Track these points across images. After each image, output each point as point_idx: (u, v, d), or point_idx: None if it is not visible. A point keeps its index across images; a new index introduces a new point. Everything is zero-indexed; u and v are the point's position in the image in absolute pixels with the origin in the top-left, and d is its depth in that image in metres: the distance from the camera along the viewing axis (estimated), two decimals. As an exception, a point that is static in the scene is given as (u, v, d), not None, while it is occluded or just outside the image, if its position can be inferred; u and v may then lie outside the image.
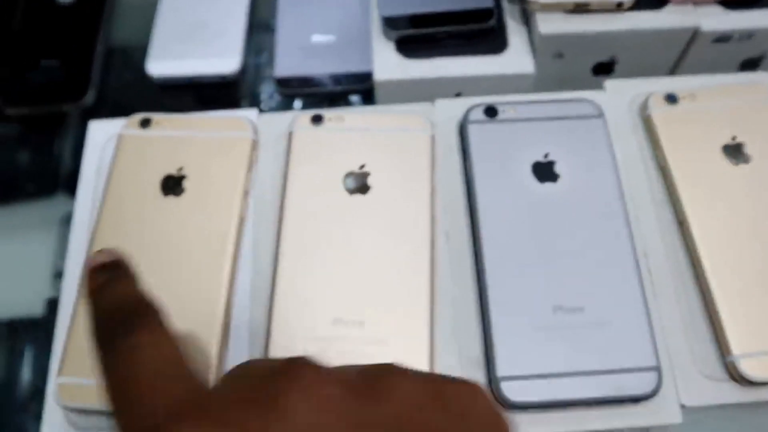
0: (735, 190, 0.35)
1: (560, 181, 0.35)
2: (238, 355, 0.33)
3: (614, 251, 0.33)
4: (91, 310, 0.22)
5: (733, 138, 0.36)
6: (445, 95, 0.38)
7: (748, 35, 0.39)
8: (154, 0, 0.48)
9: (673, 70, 0.43)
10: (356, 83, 0.44)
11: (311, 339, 0.31)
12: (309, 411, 0.16)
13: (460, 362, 0.32)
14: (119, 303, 0.21)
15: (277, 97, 0.46)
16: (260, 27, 0.48)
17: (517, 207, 0.34)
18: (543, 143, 0.36)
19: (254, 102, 0.46)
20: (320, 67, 0.44)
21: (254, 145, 0.36)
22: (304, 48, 0.45)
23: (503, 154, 0.35)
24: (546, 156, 0.35)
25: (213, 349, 0.31)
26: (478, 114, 0.36)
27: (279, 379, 0.17)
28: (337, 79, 0.44)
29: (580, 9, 0.38)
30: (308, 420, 0.16)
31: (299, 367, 0.17)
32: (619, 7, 0.38)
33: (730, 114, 0.37)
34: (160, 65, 0.45)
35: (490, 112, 0.36)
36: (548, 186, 0.35)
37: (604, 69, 0.41)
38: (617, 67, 0.42)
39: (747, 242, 0.33)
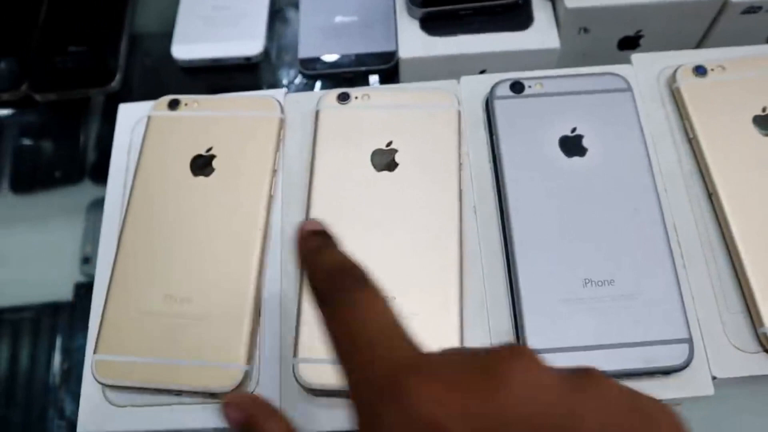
0: (766, 161, 0.34)
1: (588, 154, 0.35)
2: (270, 331, 0.33)
3: (643, 224, 0.33)
4: (307, 269, 0.23)
5: (764, 109, 0.36)
6: (469, 72, 0.38)
7: (779, 5, 0.39)
8: (176, -15, 0.48)
9: (700, 43, 0.42)
10: (379, 63, 0.44)
11: (342, 314, 0.32)
12: (528, 385, 0.17)
13: (489, 335, 0.32)
14: (338, 264, 0.22)
15: (300, 79, 0.46)
16: (283, 9, 0.48)
17: (544, 181, 0.34)
18: (570, 117, 0.36)
19: (278, 85, 0.46)
20: (344, 48, 0.44)
21: (282, 124, 0.37)
22: (328, 29, 0.45)
23: (530, 129, 0.35)
24: (573, 130, 0.35)
25: (246, 326, 0.32)
26: (505, 89, 0.36)
27: (501, 354, 0.18)
28: (361, 59, 0.44)
29: (604, -18, 0.38)
30: (528, 393, 0.17)
31: (519, 348, 0.18)
32: (645, -19, 0.38)
33: (760, 85, 0.36)
34: (184, 49, 0.46)
35: (517, 87, 0.36)
36: (576, 160, 0.35)
37: (630, 43, 0.41)
38: (643, 41, 0.41)
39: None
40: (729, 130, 0.35)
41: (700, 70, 0.37)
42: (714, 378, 0.31)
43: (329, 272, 0.22)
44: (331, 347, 0.20)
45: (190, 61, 0.46)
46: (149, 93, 0.39)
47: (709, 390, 0.31)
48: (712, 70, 0.37)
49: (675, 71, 0.37)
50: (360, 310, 0.20)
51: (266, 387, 0.32)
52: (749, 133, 0.35)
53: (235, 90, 0.39)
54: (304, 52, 0.45)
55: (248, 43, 0.45)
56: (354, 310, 0.20)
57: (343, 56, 0.44)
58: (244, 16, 0.46)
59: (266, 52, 0.46)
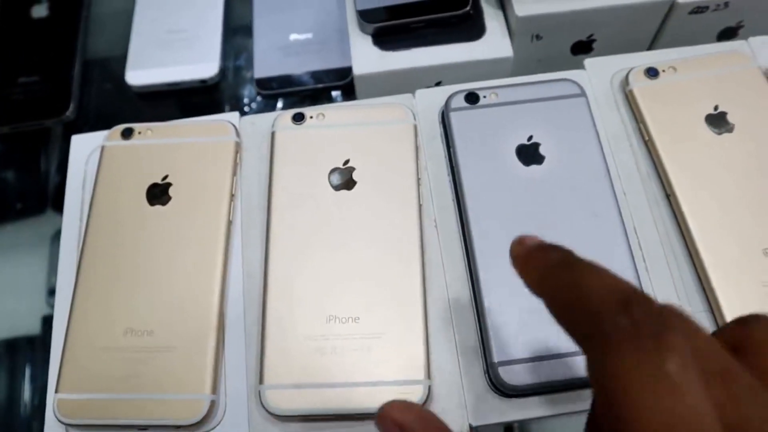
0: (720, 160, 0.35)
1: (545, 162, 0.35)
2: (235, 359, 0.33)
3: (603, 229, 0.33)
4: (560, 296, 0.20)
5: (716, 107, 0.36)
6: (425, 85, 0.38)
7: (725, 4, 0.39)
8: (130, 9, 0.48)
9: (652, 45, 0.43)
10: (336, 79, 0.44)
11: (306, 338, 0.31)
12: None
13: (456, 349, 0.32)
14: (614, 289, 0.18)
15: (259, 100, 0.46)
16: (238, 30, 0.48)
17: (503, 191, 0.34)
18: (526, 126, 0.36)
19: (237, 105, 0.45)
20: (299, 66, 0.44)
21: (238, 148, 0.36)
22: (283, 48, 0.45)
23: (487, 140, 0.35)
24: (530, 138, 0.35)
25: (209, 355, 0.31)
26: (460, 101, 0.36)
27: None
28: (317, 76, 0.44)
29: (553, -11, 0.38)
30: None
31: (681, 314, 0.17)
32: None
33: (711, 84, 0.37)
34: (139, 75, 0.45)
35: (472, 98, 0.36)
36: (534, 168, 0.35)
37: (583, 48, 0.41)
38: (596, 45, 0.41)
39: (735, 210, 0.33)
40: (682, 130, 0.36)
41: (651, 72, 0.37)
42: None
43: (617, 301, 0.17)
44: (613, 397, 0.16)
45: (145, 87, 0.45)
46: (106, 120, 0.38)
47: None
48: (664, 71, 0.37)
49: (627, 74, 0.37)
50: (678, 394, 0.15)
51: (234, 416, 0.32)
52: (702, 132, 0.36)
53: (193, 113, 0.38)
54: (260, 71, 0.44)
55: (203, 65, 0.45)
56: (670, 387, 0.15)
57: (298, 74, 0.44)
58: (198, 38, 0.45)
59: (224, 74, 0.46)
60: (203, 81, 0.45)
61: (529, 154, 0.35)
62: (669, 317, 0.17)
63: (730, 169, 0.34)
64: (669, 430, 0.15)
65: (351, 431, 0.31)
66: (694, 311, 0.33)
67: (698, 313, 0.33)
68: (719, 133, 0.35)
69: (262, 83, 0.44)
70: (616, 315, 0.17)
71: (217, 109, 0.41)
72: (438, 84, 0.40)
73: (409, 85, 0.38)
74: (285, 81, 0.44)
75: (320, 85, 0.44)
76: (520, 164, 0.35)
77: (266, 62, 0.44)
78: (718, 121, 0.36)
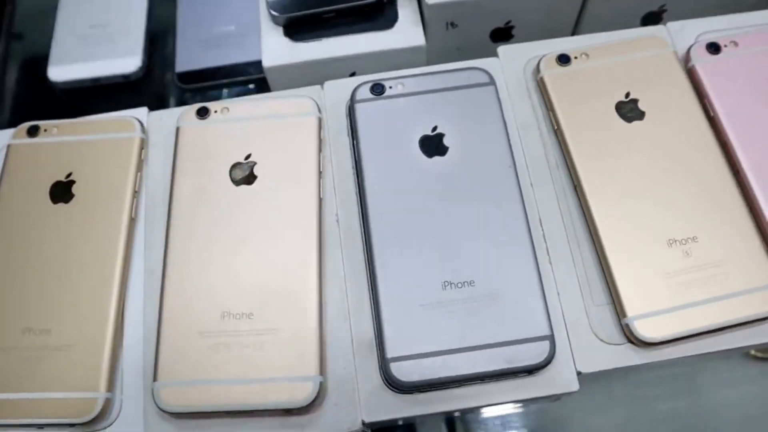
0: (629, 149, 0.34)
1: (449, 153, 0.34)
2: (133, 356, 0.32)
3: (506, 221, 0.33)
4: None
5: (627, 95, 0.35)
6: (340, 76, 0.38)
7: (644, -13, 0.38)
8: (54, 5, 0.47)
9: (575, 31, 0.42)
10: (258, 72, 0.43)
11: (201, 334, 0.31)
12: None
13: (352, 345, 0.32)
14: None
15: (186, 94, 0.45)
16: (164, 24, 0.47)
17: (404, 184, 0.33)
18: (431, 116, 0.35)
19: (163, 100, 0.45)
20: (221, 59, 0.43)
21: (143, 145, 0.36)
22: (205, 41, 0.44)
23: (391, 131, 0.35)
24: (434, 129, 0.35)
25: (105, 354, 0.31)
26: (365, 92, 0.36)
27: None
28: (239, 69, 0.43)
29: (466, -25, 0.37)
30: None
31: None
32: (506, -29, 0.37)
33: (624, 70, 0.36)
34: (61, 71, 0.45)
35: (377, 89, 0.36)
36: (437, 160, 0.34)
37: (503, 35, 0.40)
38: (516, 32, 0.40)
39: (640, 202, 0.33)
40: (592, 119, 0.35)
41: (563, 59, 0.36)
42: (579, 373, 0.31)
43: None
44: None
45: (68, 83, 0.45)
46: (30, 118, 0.38)
47: (574, 386, 0.31)
48: (576, 58, 0.36)
49: (539, 61, 0.36)
50: None
51: (129, 414, 0.31)
52: (612, 120, 0.35)
53: (116, 110, 0.38)
54: (181, 65, 0.44)
55: (125, 60, 0.44)
56: None
57: (219, 67, 0.43)
58: (121, 33, 0.45)
59: (148, 69, 0.45)
60: (126, 76, 0.44)
61: (433, 145, 0.34)
62: None
63: (639, 159, 0.34)
64: None
65: (243, 428, 0.31)
66: (597, 304, 0.32)
67: (600, 306, 0.32)
68: (629, 121, 0.35)
69: (184, 77, 0.44)
70: None
71: (141, 104, 0.40)
72: (353, 75, 0.39)
73: (323, 77, 0.37)
74: (206, 75, 0.44)
75: (241, 78, 0.43)
76: (423, 156, 0.34)
77: (188, 56, 0.44)
78: (628, 108, 0.35)
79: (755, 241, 0.32)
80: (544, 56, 0.36)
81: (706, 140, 0.34)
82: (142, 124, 0.36)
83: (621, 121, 0.35)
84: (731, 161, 0.34)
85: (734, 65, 0.36)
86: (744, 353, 0.43)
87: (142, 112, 0.37)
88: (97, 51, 0.45)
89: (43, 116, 0.37)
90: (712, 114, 0.35)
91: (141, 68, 0.45)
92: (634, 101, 0.35)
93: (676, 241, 0.32)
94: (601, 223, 0.32)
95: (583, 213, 0.33)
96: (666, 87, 0.35)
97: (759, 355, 0.43)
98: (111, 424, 0.31)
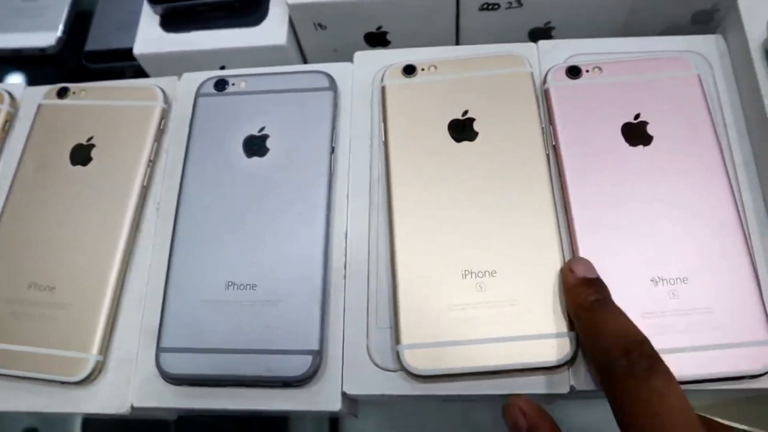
0: (449, 171, 0.32)
1: (269, 155, 0.34)
2: (131, 322, 0.33)
3: (304, 230, 0.32)
4: (587, 332, 0.27)
5: (465, 113, 0.33)
6: (210, 68, 0.38)
7: (517, 2, 0.35)
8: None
9: (458, 42, 0.39)
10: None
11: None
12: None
13: (140, 331, 0.33)
14: (626, 336, 0.26)
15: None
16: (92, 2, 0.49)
17: (219, 182, 0.34)
18: (262, 117, 0.35)
19: (74, 78, 0.46)
20: (127, 41, 0.44)
21: (164, 114, 0.37)
22: (119, 22, 0.46)
23: (222, 128, 0.35)
24: (261, 130, 0.35)
25: (101, 316, 0.32)
26: (209, 87, 0.36)
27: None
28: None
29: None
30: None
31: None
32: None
33: (469, 87, 0.34)
34: (-13, 40, 0.48)
35: (220, 85, 0.36)
36: (255, 160, 0.34)
37: (378, 40, 0.39)
38: (392, 38, 0.39)
39: (444, 229, 0.31)
40: (422, 135, 0.33)
41: (408, 70, 0.35)
42: (345, 394, 0.30)
43: (621, 346, 0.25)
44: (623, 417, 0.24)
45: (-10, 51, 0.48)
46: None
47: (335, 405, 0.30)
48: (423, 69, 0.35)
49: (385, 71, 0.35)
50: (664, 400, 0.23)
51: (118, 377, 0.32)
52: (442, 138, 0.33)
53: (34, 83, 0.40)
54: (92, 44, 0.46)
55: (42, 34, 0.47)
56: (658, 397, 0.23)
57: (125, 49, 0.45)
58: (48, 8, 0.47)
59: (66, 45, 0.47)
60: (42, 50, 0.47)
61: (255, 145, 0.34)
62: (656, 359, 0.24)
63: (456, 183, 0.32)
64: (661, 423, 0.23)
65: (20, 393, 0.32)
66: (380, 326, 0.31)
67: (383, 329, 0.31)
68: (459, 141, 0.33)
69: (91, 56, 0.46)
70: (619, 358, 0.25)
71: (54, 80, 0.42)
72: (223, 68, 0.40)
73: (196, 68, 0.38)
74: (112, 56, 0.45)
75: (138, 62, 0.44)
76: (243, 156, 0.34)
77: (100, 35, 0.46)
78: (461, 127, 0.33)
79: (556, 285, 0.30)
80: (391, 65, 0.35)
81: (537, 170, 0.32)
82: (165, 94, 0.37)
83: (450, 140, 0.33)
84: (564, 195, 0.32)
85: (592, 92, 0.33)
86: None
87: (169, 81, 0.37)
88: (21, 23, 0.47)
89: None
90: (554, 143, 0.33)
91: (57, 43, 0.47)
92: (470, 120, 0.33)
93: (471, 273, 0.30)
94: (400, 244, 0.31)
95: (389, 231, 0.32)
96: (509, 109, 0.33)
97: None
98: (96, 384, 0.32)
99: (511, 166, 0.32)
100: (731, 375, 0.28)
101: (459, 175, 0.32)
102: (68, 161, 0.36)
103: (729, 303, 0.29)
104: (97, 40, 0.46)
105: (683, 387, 0.25)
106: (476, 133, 0.33)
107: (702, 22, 0.38)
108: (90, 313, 0.32)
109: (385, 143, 0.33)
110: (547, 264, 0.30)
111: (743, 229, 0.30)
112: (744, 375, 0.28)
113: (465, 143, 0.33)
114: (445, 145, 0.33)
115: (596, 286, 0.28)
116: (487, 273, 0.30)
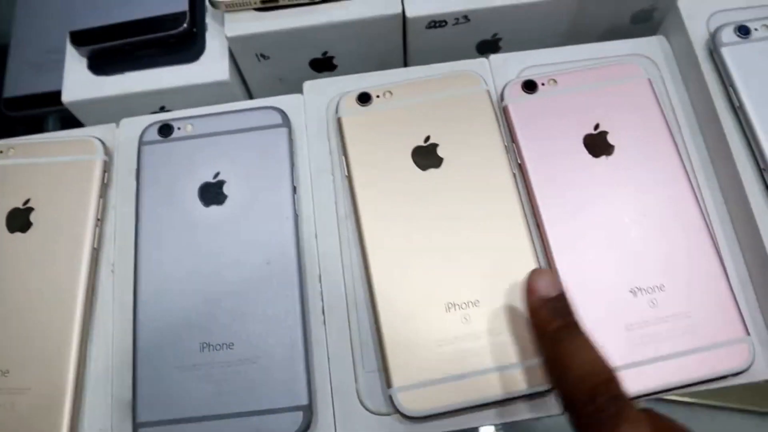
0: (418, 201, 0.31)
1: (227, 203, 0.32)
2: (99, 400, 0.31)
3: (275, 278, 0.31)
4: (552, 361, 0.26)
5: (427, 139, 0.33)
6: (148, 110, 0.36)
7: (464, 17, 0.35)
8: None
9: (407, 63, 0.39)
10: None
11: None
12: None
13: (111, 405, 0.30)
14: (587, 372, 0.24)
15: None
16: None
17: (178, 236, 0.32)
18: (215, 161, 0.33)
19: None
20: (50, 84, 0.41)
21: (106, 167, 0.34)
22: (37, 64, 0.42)
23: (173, 177, 0.33)
24: (216, 176, 0.33)
25: (67, 399, 0.30)
26: (153, 134, 0.34)
27: None
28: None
29: (269, 6, 0.34)
30: None
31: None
32: (313, 2, 0.34)
33: (427, 111, 0.33)
34: None
35: (165, 130, 0.34)
36: (213, 209, 0.32)
37: (325, 65, 0.38)
38: (338, 62, 0.38)
39: (422, 262, 0.30)
40: (386, 166, 0.32)
41: (363, 98, 0.33)
42: (339, 443, 0.29)
43: (587, 389, 0.24)
44: None
45: None
46: None
47: (331, 458, 0.29)
48: (378, 96, 0.34)
49: (339, 100, 0.34)
50: None
51: None
52: (407, 167, 0.32)
53: None
54: (10, 90, 0.42)
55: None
56: None
57: (47, 93, 0.41)
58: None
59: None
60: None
61: (212, 193, 0.32)
62: (623, 402, 0.23)
63: (427, 212, 0.31)
64: None
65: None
66: (368, 370, 0.30)
67: (370, 373, 0.30)
68: (424, 169, 0.32)
69: (10, 104, 0.42)
70: (586, 403, 0.23)
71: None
72: (162, 109, 0.37)
73: (131, 111, 0.36)
74: (34, 101, 0.42)
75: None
76: (200, 205, 0.32)
77: (17, 80, 0.42)
78: (426, 154, 0.32)
79: (539, 307, 0.29)
80: (345, 94, 0.34)
81: (506, 193, 0.31)
82: (104, 145, 0.34)
83: (416, 168, 0.32)
84: (535, 214, 0.32)
85: (550, 106, 0.33)
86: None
87: (108, 128, 0.35)
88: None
89: None
90: (519, 161, 0.32)
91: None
92: (434, 146, 0.32)
93: (455, 305, 0.30)
94: (378, 283, 0.30)
95: (365, 270, 0.31)
96: (471, 130, 0.33)
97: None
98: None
99: (480, 191, 0.31)
100: (716, 376, 0.29)
101: (429, 204, 0.31)
102: (5, 228, 0.33)
103: (704, 305, 0.30)
104: (15, 85, 0.42)
105: (669, 393, 0.25)
106: (441, 159, 0.32)
107: (641, 21, 0.39)
108: (53, 395, 0.30)
109: (349, 178, 0.32)
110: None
111: (709, 230, 0.31)
112: (727, 374, 0.29)
113: (431, 170, 0.32)
114: (411, 174, 0.32)
115: (559, 308, 0.26)
116: (470, 303, 0.30)
